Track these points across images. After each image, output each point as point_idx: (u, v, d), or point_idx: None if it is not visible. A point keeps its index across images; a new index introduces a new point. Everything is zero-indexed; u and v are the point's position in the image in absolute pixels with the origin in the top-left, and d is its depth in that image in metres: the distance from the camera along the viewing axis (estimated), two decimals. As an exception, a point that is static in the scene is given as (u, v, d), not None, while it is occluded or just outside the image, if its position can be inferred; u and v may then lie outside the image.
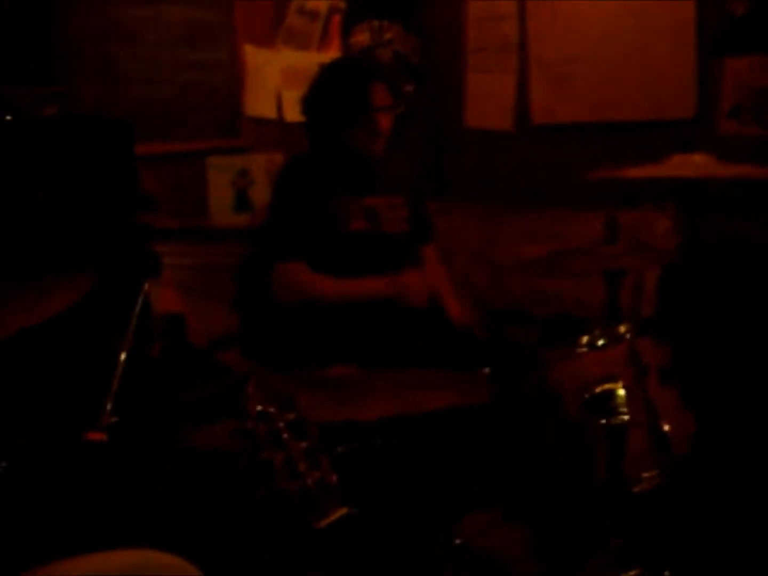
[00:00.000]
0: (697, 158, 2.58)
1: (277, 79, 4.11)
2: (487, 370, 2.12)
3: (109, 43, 3.53)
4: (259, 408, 1.31)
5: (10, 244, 2.33)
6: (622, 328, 2.17)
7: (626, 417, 1.99)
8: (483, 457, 2.10)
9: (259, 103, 4.07)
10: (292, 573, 1.43)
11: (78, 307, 1.70)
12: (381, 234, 2.57)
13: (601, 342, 2.14)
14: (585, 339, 2.15)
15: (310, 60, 4.19)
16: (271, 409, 1.32)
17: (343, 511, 1.32)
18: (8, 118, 2.69)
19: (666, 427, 2.07)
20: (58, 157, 2.61)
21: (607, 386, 2.01)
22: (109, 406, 1.98)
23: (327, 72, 2.62)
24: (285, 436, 1.32)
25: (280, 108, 4.13)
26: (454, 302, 2.66)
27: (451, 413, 1.93)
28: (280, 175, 2.63)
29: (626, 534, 2.05)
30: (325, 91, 2.55)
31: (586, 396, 2.01)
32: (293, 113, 4.13)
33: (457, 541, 2.09)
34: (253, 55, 4.01)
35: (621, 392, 2.01)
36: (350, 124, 2.50)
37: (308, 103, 2.61)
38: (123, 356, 2.04)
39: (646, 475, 2.06)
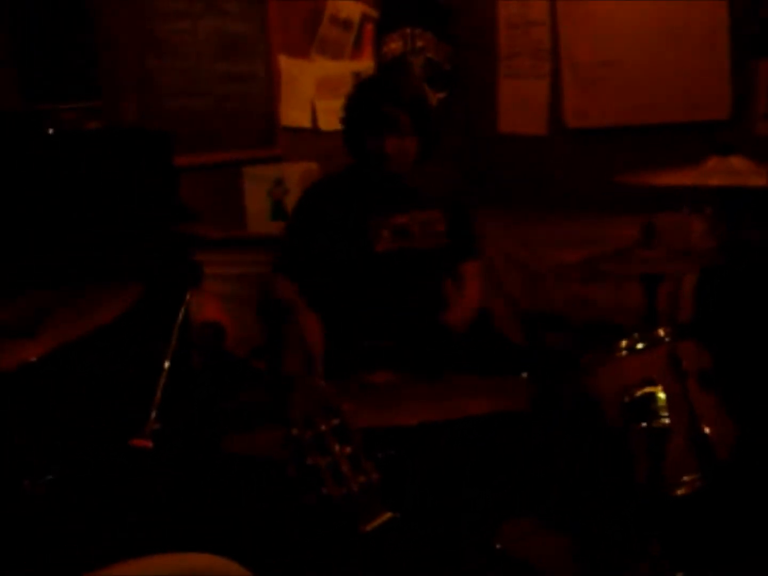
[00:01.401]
0: (734, 161, 2.56)
1: (311, 88, 4.15)
2: (525, 375, 2.13)
3: (147, 57, 3.58)
4: (303, 414, 1.34)
5: (57, 255, 2.37)
6: (661, 332, 2.17)
7: (666, 420, 1.98)
8: (523, 462, 2.10)
9: (294, 113, 4.10)
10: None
11: (124, 317, 1.73)
12: (412, 251, 2.58)
13: (640, 346, 2.14)
14: (624, 343, 2.14)
15: (344, 69, 4.23)
16: (316, 415, 1.35)
17: (388, 515, 1.33)
18: (50, 131, 2.74)
19: (707, 431, 2.06)
20: (100, 169, 2.66)
21: (646, 390, 2.00)
22: (153, 414, 2.01)
23: (353, 90, 2.66)
24: (330, 441, 1.34)
25: (314, 117, 4.17)
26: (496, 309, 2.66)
27: (490, 419, 1.94)
28: (302, 195, 2.69)
29: (667, 539, 2.04)
30: (346, 109, 2.60)
31: (626, 400, 2.01)
32: (328, 122, 4.18)
33: (497, 547, 2.09)
34: (287, 65, 4.05)
35: (661, 395, 2.00)
36: (364, 143, 2.53)
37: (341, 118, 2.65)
38: (167, 364, 2.08)
39: (686, 478, 2.05)
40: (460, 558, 2.06)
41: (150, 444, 1.97)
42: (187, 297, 2.13)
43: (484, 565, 2.09)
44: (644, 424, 1.97)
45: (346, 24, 4.26)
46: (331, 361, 2.39)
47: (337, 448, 1.34)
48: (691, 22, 3.97)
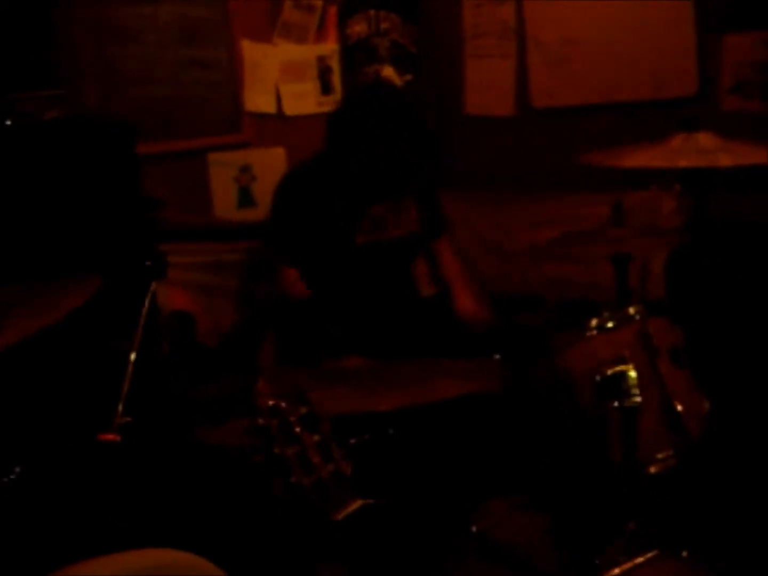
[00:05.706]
0: (701, 137, 2.55)
1: (275, 73, 4.10)
2: (497, 356, 2.12)
3: (107, 44, 3.52)
4: (270, 403, 1.32)
5: (15, 248, 2.33)
6: (632, 310, 2.16)
7: (638, 398, 1.98)
8: (497, 444, 2.10)
9: (259, 99, 4.06)
10: (308, 566, 1.43)
11: (86, 309, 1.70)
12: (389, 241, 2.59)
13: (610, 324, 2.14)
14: (594, 322, 2.14)
15: (308, 53, 4.18)
16: (283, 404, 1.32)
17: (359, 502, 1.32)
18: (8, 122, 2.68)
19: (679, 408, 2.07)
20: (60, 160, 2.61)
21: (618, 368, 2.00)
22: (120, 407, 1.98)
23: (334, 125, 2.60)
24: (297, 430, 1.32)
25: (279, 102, 4.12)
26: (465, 296, 2.67)
27: (463, 401, 1.93)
28: (279, 187, 2.66)
29: (643, 515, 2.04)
30: (330, 139, 2.55)
31: (598, 378, 2.00)
32: (292, 107, 4.14)
33: (475, 529, 2.09)
34: (250, 50, 4.01)
35: (632, 374, 2.00)
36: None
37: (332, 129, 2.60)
38: (132, 356, 2.04)
39: (660, 456, 2.06)
40: (438, 542, 2.06)
41: (118, 438, 1.94)
42: (152, 287, 2.09)
43: (462, 548, 2.08)
44: (616, 403, 1.97)
45: (308, 7, 4.21)
46: (301, 348, 2.37)
47: (305, 436, 1.32)
48: (656, -1, 3.97)
